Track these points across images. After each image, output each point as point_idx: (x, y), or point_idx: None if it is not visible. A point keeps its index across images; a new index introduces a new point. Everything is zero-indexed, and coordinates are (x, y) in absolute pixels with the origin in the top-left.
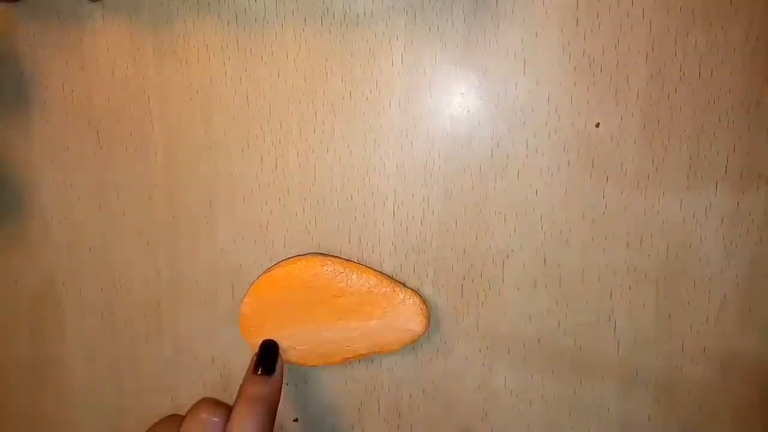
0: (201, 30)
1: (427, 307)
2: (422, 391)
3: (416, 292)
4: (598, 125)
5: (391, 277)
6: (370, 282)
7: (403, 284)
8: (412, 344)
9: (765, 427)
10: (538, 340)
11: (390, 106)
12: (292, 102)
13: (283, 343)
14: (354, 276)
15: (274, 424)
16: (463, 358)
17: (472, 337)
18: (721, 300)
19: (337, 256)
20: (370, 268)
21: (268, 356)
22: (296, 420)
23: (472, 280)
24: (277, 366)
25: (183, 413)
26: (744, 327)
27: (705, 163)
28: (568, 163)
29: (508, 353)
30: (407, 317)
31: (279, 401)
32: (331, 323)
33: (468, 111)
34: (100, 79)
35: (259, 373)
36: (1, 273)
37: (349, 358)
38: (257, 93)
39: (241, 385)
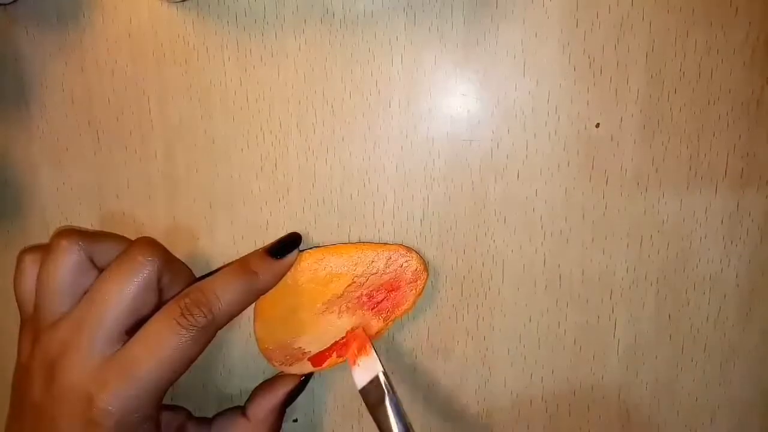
0: (201, 30)
1: (415, 251)
2: (422, 391)
3: (399, 244)
4: (598, 125)
5: (367, 242)
6: (353, 257)
7: (384, 243)
8: (422, 293)
9: (765, 427)
10: (538, 340)
11: (390, 106)
12: (292, 102)
13: (309, 351)
14: (334, 258)
15: (248, 305)
16: (463, 358)
17: (472, 337)
18: (721, 300)
19: (311, 247)
20: (343, 244)
21: (285, 244)
22: (296, 420)
23: (472, 280)
24: (288, 257)
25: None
26: (744, 327)
27: (705, 163)
28: (568, 163)
29: (508, 353)
30: (405, 269)
31: (267, 291)
32: (338, 312)
33: (468, 111)
34: (100, 79)
35: (269, 254)
36: (1, 273)
37: (372, 337)
38: (257, 93)
39: (246, 256)
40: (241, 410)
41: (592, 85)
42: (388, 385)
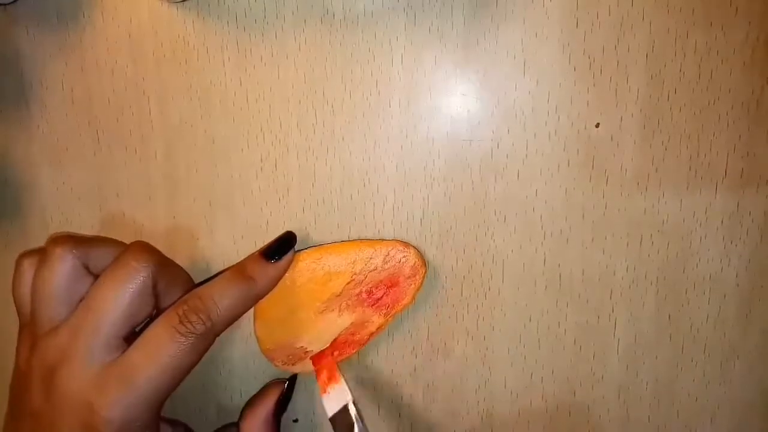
0: (201, 30)
1: (413, 246)
2: (422, 391)
3: (396, 240)
4: (598, 125)
5: (364, 239)
6: (351, 254)
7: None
8: (422, 287)
9: (765, 428)
10: (538, 340)
11: (390, 106)
12: (292, 102)
13: (311, 350)
14: (332, 256)
15: (247, 311)
16: (463, 358)
17: (472, 337)
18: (721, 300)
19: (309, 246)
20: (340, 242)
21: (281, 244)
22: (296, 420)
23: (472, 280)
24: (284, 260)
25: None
26: (744, 327)
27: (705, 163)
28: (568, 163)
29: (508, 353)
30: (403, 264)
31: (266, 294)
32: (338, 310)
33: (468, 111)
34: (100, 79)
35: (265, 257)
36: (1, 273)
37: (373, 332)
38: (257, 93)
39: (243, 260)
40: (236, 427)
41: (592, 85)
42: (357, 415)
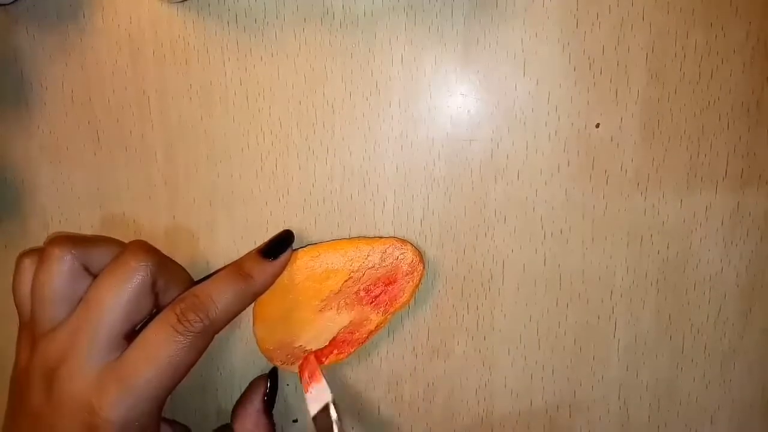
0: (201, 30)
1: (410, 243)
2: (422, 391)
3: (393, 237)
4: (598, 126)
5: (362, 237)
6: (349, 252)
7: (379, 236)
8: (419, 286)
9: (765, 428)
10: (538, 340)
11: (390, 106)
12: (292, 102)
13: (310, 349)
14: (330, 254)
15: (245, 308)
16: (463, 358)
17: (472, 337)
18: (721, 300)
19: (306, 244)
20: (338, 240)
21: (278, 243)
22: (296, 421)
23: (472, 280)
24: (281, 257)
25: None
26: (744, 327)
27: (705, 163)
28: (568, 163)
29: (508, 353)
30: (400, 261)
31: (263, 292)
32: (337, 308)
33: (468, 111)
34: (100, 79)
35: (263, 254)
36: (1, 273)
37: (372, 331)
38: (257, 93)
39: (240, 258)
40: (231, 429)
41: (592, 85)
42: (335, 415)
